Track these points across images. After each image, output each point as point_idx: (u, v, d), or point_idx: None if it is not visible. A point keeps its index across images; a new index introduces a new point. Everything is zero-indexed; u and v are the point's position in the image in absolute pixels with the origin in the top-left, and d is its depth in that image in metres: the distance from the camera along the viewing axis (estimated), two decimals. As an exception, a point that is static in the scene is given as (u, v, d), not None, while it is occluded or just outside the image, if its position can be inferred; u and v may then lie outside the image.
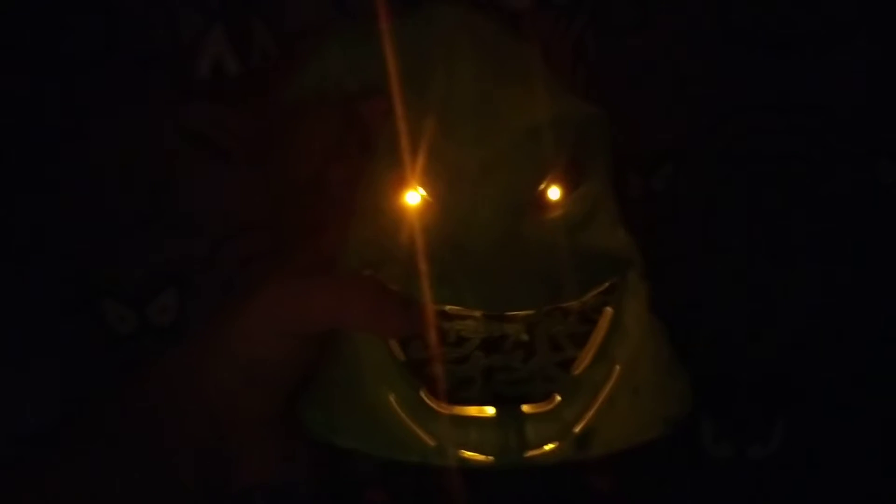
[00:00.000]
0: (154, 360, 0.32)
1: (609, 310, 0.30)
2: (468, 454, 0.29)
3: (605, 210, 0.31)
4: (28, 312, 0.41)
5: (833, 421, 0.46)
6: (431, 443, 0.29)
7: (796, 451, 0.47)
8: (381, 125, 0.31)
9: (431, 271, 0.28)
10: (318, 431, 0.32)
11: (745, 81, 0.42)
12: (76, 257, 0.41)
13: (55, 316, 0.41)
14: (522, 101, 0.30)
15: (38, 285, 0.41)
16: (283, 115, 0.38)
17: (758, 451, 0.46)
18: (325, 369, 0.32)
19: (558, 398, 0.29)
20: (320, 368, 0.32)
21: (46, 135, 0.40)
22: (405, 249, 0.29)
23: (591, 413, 0.29)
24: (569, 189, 0.30)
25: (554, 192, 0.30)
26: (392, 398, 0.29)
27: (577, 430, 0.29)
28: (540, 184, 0.29)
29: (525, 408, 0.29)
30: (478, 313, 0.29)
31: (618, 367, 0.30)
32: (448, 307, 0.29)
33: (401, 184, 0.30)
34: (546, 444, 0.29)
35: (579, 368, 0.29)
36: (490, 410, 0.29)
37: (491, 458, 0.29)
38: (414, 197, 0.30)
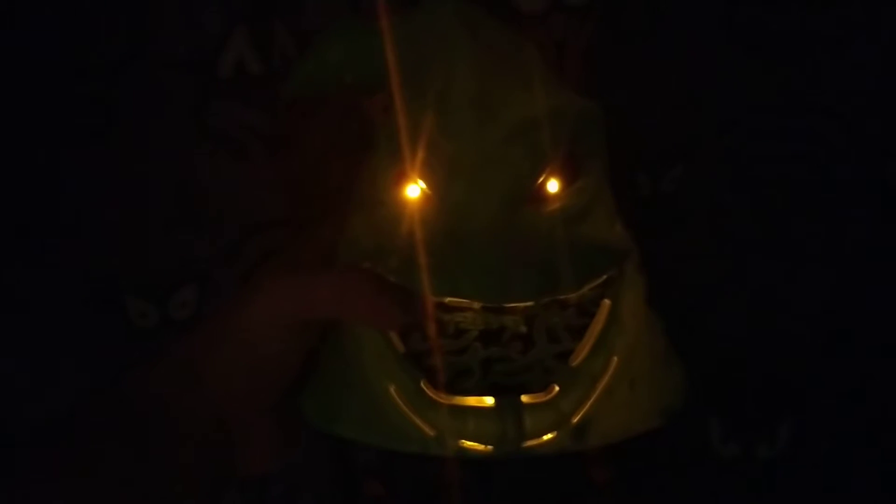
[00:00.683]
0: (158, 350, 0.32)
1: (607, 302, 0.30)
2: (467, 444, 0.29)
3: (602, 203, 0.31)
4: (56, 308, 0.42)
5: (839, 421, 0.47)
6: (431, 433, 0.29)
7: (803, 451, 0.47)
8: (381, 118, 0.32)
9: (430, 263, 0.29)
10: (318, 422, 0.32)
11: (754, 84, 0.43)
12: (103, 255, 0.42)
13: (82, 311, 0.42)
14: (520, 95, 0.30)
15: (66, 282, 0.42)
16: (297, 114, 0.38)
17: (765, 451, 0.47)
18: (325, 360, 0.32)
19: (556, 389, 0.29)
20: (321, 360, 0.33)
21: (75, 136, 0.40)
22: (405, 242, 0.29)
23: (588, 404, 0.30)
24: (566, 182, 0.30)
25: (552, 185, 0.30)
26: (392, 389, 0.30)
27: (574, 420, 0.29)
28: (538, 177, 0.29)
29: (523, 398, 0.29)
30: (476, 305, 0.29)
31: (615, 359, 0.30)
32: (447, 299, 0.29)
33: (400, 177, 0.30)
34: (544, 434, 0.29)
35: (577, 360, 0.30)
36: (489, 400, 0.29)
37: (490, 447, 0.29)
38: (413, 190, 0.30)
